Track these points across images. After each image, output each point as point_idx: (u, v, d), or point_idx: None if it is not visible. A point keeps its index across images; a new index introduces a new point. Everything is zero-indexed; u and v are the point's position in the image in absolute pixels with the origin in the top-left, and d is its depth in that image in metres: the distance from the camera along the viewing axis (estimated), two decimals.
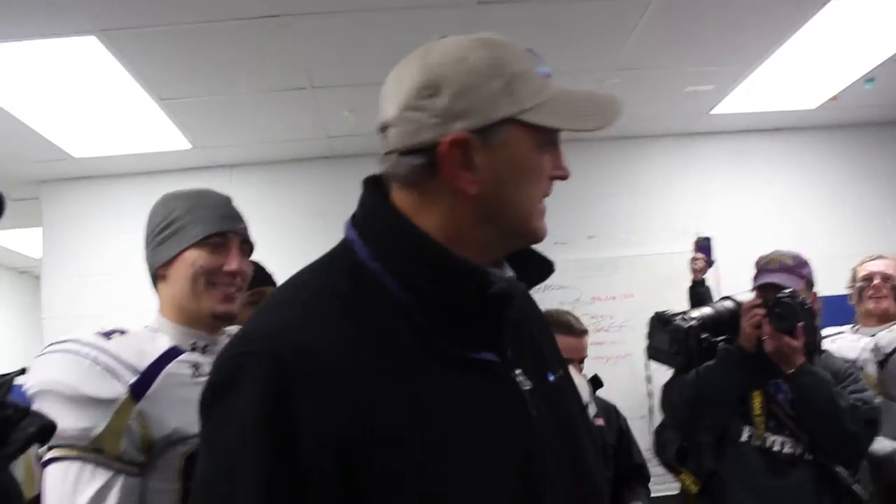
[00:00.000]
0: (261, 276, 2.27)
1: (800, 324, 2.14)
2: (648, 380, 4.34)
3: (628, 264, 4.71)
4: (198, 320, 1.50)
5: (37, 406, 1.30)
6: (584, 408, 1.23)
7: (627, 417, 3.05)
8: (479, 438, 0.87)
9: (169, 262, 1.50)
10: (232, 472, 0.80)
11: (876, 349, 2.62)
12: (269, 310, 0.92)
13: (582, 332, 2.70)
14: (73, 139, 4.24)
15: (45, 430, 0.80)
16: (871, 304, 2.78)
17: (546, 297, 4.16)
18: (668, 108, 4.50)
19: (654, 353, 2.57)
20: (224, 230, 1.50)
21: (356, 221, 1.00)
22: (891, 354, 2.57)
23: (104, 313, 3.86)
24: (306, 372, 0.81)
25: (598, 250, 4.73)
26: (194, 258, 1.47)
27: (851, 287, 2.92)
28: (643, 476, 2.90)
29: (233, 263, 1.49)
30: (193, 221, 1.49)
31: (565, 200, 4.97)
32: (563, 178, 0.98)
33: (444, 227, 0.93)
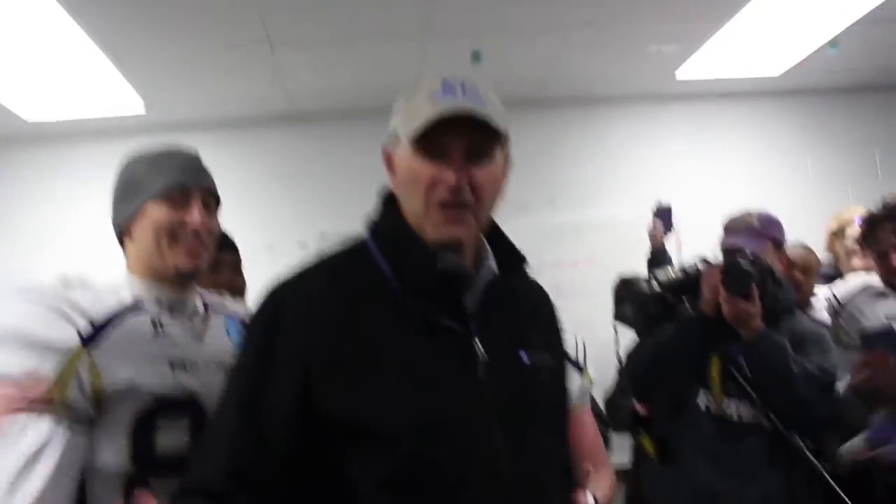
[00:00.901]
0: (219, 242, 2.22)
1: (754, 287, 2.12)
2: (615, 343, 4.34)
3: (590, 229, 4.70)
4: (164, 277, 1.47)
5: None
6: (561, 394, 1.34)
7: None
8: (423, 384, 1.11)
9: (131, 218, 1.47)
10: (233, 375, 1.19)
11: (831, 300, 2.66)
12: (294, 271, 1.22)
13: None
14: (26, 102, 4.11)
15: None
16: None
17: None
18: (633, 69, 4.49)
19: (620, 316, 2.56)
20: (185, 183, 1.46)
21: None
22: (843, 305, 2.61)
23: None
24: (288, 315, 1.14)
25: (561, 215, 4.72)
26: (156, 213, 1.44)
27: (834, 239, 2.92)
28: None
29: (195, 217, 1.45)
30: (153, 176, 1.46)
31: (526, 165, 4.96)
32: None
33: (408, 217, 1.20)
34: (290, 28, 3.61)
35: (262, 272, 1.66)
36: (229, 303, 1.69)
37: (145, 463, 1.35)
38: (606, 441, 2.88)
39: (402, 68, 4.15)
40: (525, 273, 1.36)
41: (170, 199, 1.45)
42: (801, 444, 2.04)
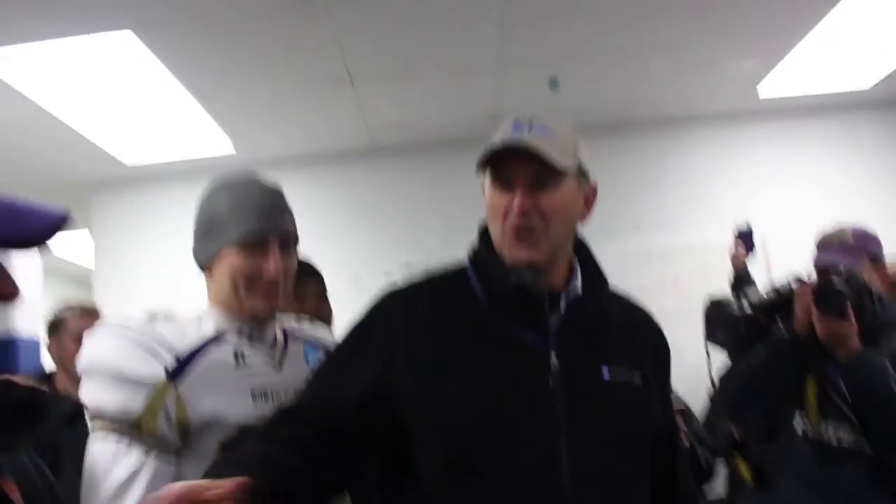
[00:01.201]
0: (302, 270, 2.28)
1: (849, 305, 2.03)
2: (709, 368, 4.25)
3: (676, 253, 4.62)
4: (242, 316, 1.51)
5: (84, 383, 1.37)
6: (647, 414, 1.35)
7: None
8: (489, 389, 1.23)
9: (210, 259, 1.51)
10: (328, 355, 1.41)
11: None
12: (404, 282, 1.39)
13: None
14: (122, 146, 4.35)
15: (78, 410, 0.84)
16: None
17: None
18: (713, 88, 4.42)
19: (712, 339, 2.50)
20: (262, 231, 1.47)
21: None
22: None
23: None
24: (387, 316, 1.32)
25: (646, 239, 4.66)
26: (231, 260, 1.47)
27: None
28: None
29: (270, 268, 1.47)
30: (232, 220, 1.47)
31: (609, 189, 4.91)
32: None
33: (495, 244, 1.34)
34: (370, 63, 3.70)
35: (348, 302, 1.70)
36: (309, 329, 1.72)
37: None
38: (710, 467, 2.81)
39: (480, 99, 4.20)
40: (620, 295, 1.47)
41: (247, 248, 1.46)
42: None
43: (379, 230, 4.81)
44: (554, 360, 1.25)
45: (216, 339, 1.46)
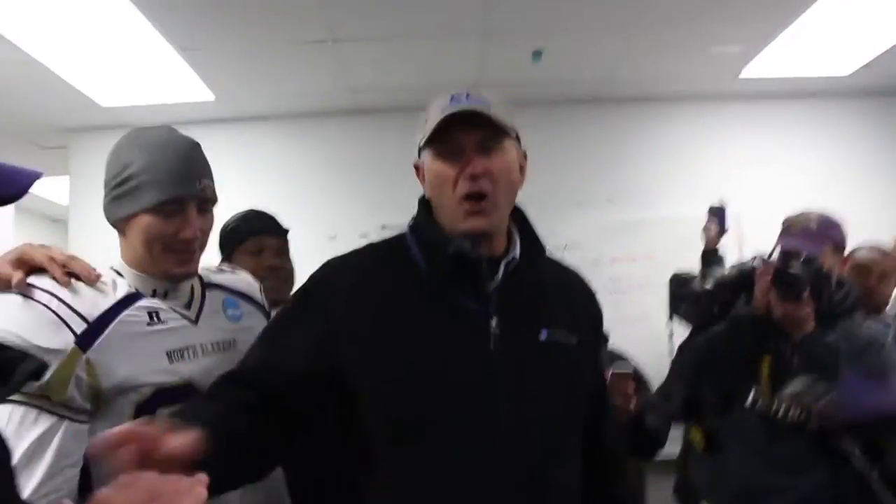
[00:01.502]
0: (263, 225, 2.28)
1: (806, 291, 2.11)
2: (670, 337, 4.34)
3: (650, 226, 4.70)
4: (156, 274, 1.49)
5: None
6: (585, 371, 1.43)
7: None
8: (437, 354, 1.27)
9: (123, 221, 1.47)
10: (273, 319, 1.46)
11: None
12: (347, 252, 1.43)
13: None
14: (99, 88, 4.30)
15: (41, 368, 0.86)
16: None
17: (565, 257, 4.16)
18: (694, 70, 4.46)
19: (675, 312, 2.56)
20: (179, 195, 1.43)
21: None
22: None
23: None
24: (329, 281, 1.37)
25: (620, 212, 4.72)
26: (147, 224, 1.43)
27: None
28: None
29: (187, 231, 1.44)
30: (148, 183, 1.42)
31: (586, 162, 5.01)
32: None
33: (439, 216, 1.38)
34: (352, 25, 3.68)
35: (324, 260, 1.72)
36: (232, 278, 1.70)
37: None
38: (658, 433, 2.87)
39: (461, 67, 4.21)
40: (556, 261, 1.53)
41: (162, 213, 1.42)
42: (852, 445, 2.03)
43: (357, 191, 4.83)
44: (494, 325, 1.30)
45: (129, 299, 1.43)
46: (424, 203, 1.43)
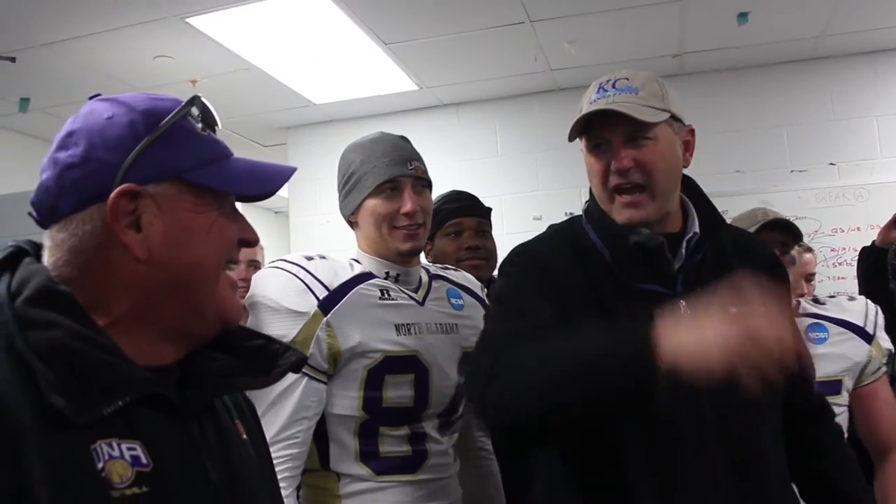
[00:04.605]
0: (461, 206, 2.36)
1: None
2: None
3: (875, 193, 4.32)
4: (389, 257, 1.68)
5: (249, 315, 1.56)
6: None
7: None
8: None
9: (355, 212, 1.69)
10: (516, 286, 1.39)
11: None
12: (534, 237, 1.46)
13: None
14: (313, 87, 4.66)
15: (300, 361, 0.96)
16: None
17: None
18: None
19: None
20: (394, 176, 1.64)
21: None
22: None
23: (347, 248, 4.17)
24: (538, 261, 1.37)
25: (842, 178, 4.38)
26: (373, 207, 1.65)
27: None
28: None
29: (407, 205, 1.63)
30: (367, 172, 1.65)
31: (804, 125, 4.68)
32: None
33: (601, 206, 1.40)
34: (548, 4, 3.68)
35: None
36: (454, 274, 1.88)
37: (374, 412, 1.57)
38: None
39: (662, 36, 4.08)
40: (735, 228, 1.51)
41: (384, 194, 1.64)
42: None
43: (563, 171, 4.75)
44: (682, 305, 1.27)
45: (365, 276, 1.64)
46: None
